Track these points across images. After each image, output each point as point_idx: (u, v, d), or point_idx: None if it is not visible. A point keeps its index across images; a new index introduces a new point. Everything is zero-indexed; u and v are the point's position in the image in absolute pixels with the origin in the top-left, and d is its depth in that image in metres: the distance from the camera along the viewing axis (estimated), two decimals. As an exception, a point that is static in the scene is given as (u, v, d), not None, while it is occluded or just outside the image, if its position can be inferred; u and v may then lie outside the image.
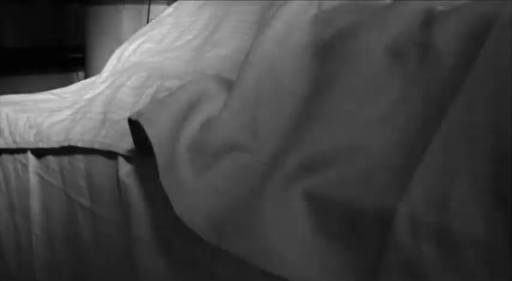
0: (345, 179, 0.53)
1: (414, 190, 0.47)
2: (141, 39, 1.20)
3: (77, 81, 1.37)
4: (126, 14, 2.17)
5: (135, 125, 0.72)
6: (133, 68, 1.05)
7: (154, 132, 0.66)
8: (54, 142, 0.94)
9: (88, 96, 1.09)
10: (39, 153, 1.00)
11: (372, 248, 0.49)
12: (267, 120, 0.68)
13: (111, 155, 0.83)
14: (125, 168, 0.79)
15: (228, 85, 0.75)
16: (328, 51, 0.68)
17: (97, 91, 1.07)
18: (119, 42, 1.36)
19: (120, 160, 0.80)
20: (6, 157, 1.10)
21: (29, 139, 1.00)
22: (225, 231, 0.56)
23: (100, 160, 0.86)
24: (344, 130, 0.57)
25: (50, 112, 1.03)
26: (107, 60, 1.27)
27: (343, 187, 0.52)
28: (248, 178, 0.61)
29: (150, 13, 2.10)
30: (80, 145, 0.88)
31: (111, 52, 1.28)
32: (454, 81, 0.53)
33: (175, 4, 1.24)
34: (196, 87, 0.73)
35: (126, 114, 0.80)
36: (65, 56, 2.76)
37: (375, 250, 0.49)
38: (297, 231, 0.53)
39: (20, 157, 1.06)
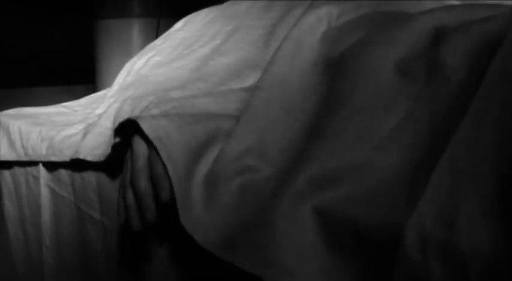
0: (354, 196, 0.54)
1: (422, 208, 0.48)
2: (151, 53, 1.21)
3: (86, 94, 1.38)
4: (136, 27, 2.20)
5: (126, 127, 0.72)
6: (140, 81, 1.06)
7: (175, 170, 0.67)
8: (66, 156, 0.94)
9: (99, 111, 1.10)
10: (51, 166, 1.02)
11: (381, 263, 0.50)
12: (275, 139, 0.69)
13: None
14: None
15: None
16: (337, 68, 0.69)
17: (107, 105, 1.08)
18: (129, 56, 1.37)
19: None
20: (18, 169, 1.11)
21: (41, 152, 1.01)
22: (237, 248, 0.57)
23: (110, 173, 0.87)
24: (353, 148, 0.58)
25: (62, 126, 1.04)
26: (116, 73, 1.28)
27: (352, 204, 0.53)
28: (258, 194, 0.62)
29: (159, 27, 2.12)
30: (89, 159, 0.89)
31: (121, 65, 1.29)
32: (462, 99, 0.54)
33: (185, 18, 1.25)
34: (212, 124, 0.73)
35: None
36: (74, 69, 2.78)
37: (384, 265, 0.49)
38: (307, 247, 0.54)
39: (31, 169, 1.07)
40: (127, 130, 0.74)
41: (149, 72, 1.09)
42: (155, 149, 0.69)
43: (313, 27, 0.77)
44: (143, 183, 0.70)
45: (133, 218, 0.71)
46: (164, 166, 0.68)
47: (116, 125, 0.75)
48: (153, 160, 0.70)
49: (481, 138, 0.50)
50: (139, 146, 0.72)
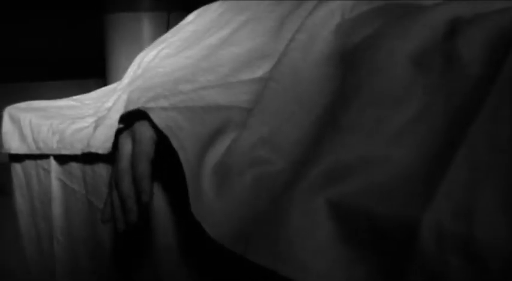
0: (369, 190, 0.53)
1: (439, 200, 0.47)
2: (162, 46, 1.21)
3: (95, 88, 1.38)
4: (146, 21, 2.19)
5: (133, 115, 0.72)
6: (148, 73, 1.05)
7: (186, 158, 0.66)
8: (77, 149, 0.94)
9: (109, 104, 1.10)
10: (62, 159, 1.01)
11: (397, 258, 0.49)
12: (289, 131, 0.68)
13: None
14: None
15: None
16: (351, 60, 0.68)
17: (116, 98, 1.07)
18: (139, 50, 1.36)
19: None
20: (29, 163, 1.11)
21: (52, 146, 1.01)
22: (249, 240, 0.57)
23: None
24: (367, 140, 0.57)
25: (73, 119, 1.04)
26: (126, 67, 1.28)
27: (367, 197, 0.53)
28: (271, 187, 0.61)
29: (170, 20, 2.12)
30: (101, 152, 0.89)
31: (131, 59, 1.29)
32: (478, 92, 0.53)
33: (196, 11, 1.25)
34: (222, 115, 0.72)
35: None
36: (85, 63, 2.78)
37: (400, 260, 0.49)
38: (321, 240, 0.53)
39: (42, 162, 1.07)
40: (134, 119, 0.73)
41: (158, 64, 1.09)
42: (159, 136, 0.68)
43: (327, 19, 0.76)
44: (126, 184, 0.69)
45: (118, 219, 0.70)
46: (147, 166, 0.68)
47: (124, 112, 0.74)
48: (135, 160, 0.69)
49: (499, 131, 0.49)
50: (125, 145, 0.71)
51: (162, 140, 0.69)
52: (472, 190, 0.47)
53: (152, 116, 0.69)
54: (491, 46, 0.57)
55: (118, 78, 1.52)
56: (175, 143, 0.66)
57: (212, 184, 0.65)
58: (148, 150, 0.69)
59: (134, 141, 0.70)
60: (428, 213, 0.47)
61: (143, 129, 0.70)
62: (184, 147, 0.66)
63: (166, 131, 0.67)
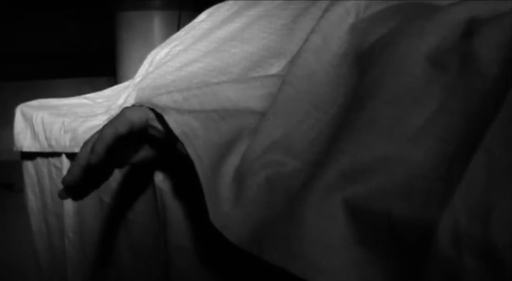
0: (386, 190, 0.52)
1: (457, 202, 0.47)
2: (174, 43, 1.21)
3: (107, 86, 1.38)
4: (158, 20, 2.20)
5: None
6: (159, 70, 1.05)
7: (202, 168, 0.65)
8: (89, 148, 0.94)
9: (120, 101, 1.09)
10: (74, 157, 1.01)
11: (413, 259, 0.49)
12: (304, 131, 0.68)
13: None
14: (160, 174, 0.79)
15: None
16: (366, 60, 0.68)
17: (127, 95, 1.07)
18: (150, 48, 1.36)
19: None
20: (40, 160, 1.12)
21: (65, 144, 1.01)
22: (264, 240, 0.56)
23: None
24: (384, 140, 0.56)
25: (85, 117, 1.04)
26: (137, 66, 1.28)
27: (383, 198, 0.52)
28: (286, 186, 0.61)
29: (181, 19, 2.12)
30: None
31: (142, 58, 1.28)
32: (497, 92, 0.53)
33: (209, 10, 1.25)
34: (238, 122, 0.71)
35: None
36: (96, 61, 2.79)
37: (416, 261, 0.48)
38: (336, 240, 0.53)
39: (54, 160, 1.07)
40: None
41: (169, 61, 1.09)
42: (168, 136, 0.68)
43: (341, 19, 0.76)
44: (83, 151, 0.74)
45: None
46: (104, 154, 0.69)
47: (137, 103, 0.73)
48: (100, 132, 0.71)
49: None
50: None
51: (171, 141, 0.68)
52: (490, 191, 0.47)
53: (167, 118, 0.67)
54: (509, 46, 0.57)
55: (129, 76, 1.53)
56: (191, 151, 0.65)
57: (230, 192, 0.64)
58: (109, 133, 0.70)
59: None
60: (445, 214, 0.47)
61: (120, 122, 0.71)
62: (200, 156, 0.66)
63: (182, 138, 0.66)
